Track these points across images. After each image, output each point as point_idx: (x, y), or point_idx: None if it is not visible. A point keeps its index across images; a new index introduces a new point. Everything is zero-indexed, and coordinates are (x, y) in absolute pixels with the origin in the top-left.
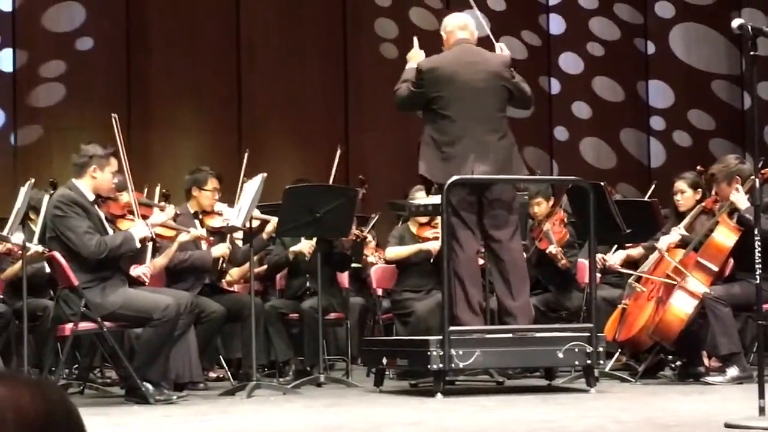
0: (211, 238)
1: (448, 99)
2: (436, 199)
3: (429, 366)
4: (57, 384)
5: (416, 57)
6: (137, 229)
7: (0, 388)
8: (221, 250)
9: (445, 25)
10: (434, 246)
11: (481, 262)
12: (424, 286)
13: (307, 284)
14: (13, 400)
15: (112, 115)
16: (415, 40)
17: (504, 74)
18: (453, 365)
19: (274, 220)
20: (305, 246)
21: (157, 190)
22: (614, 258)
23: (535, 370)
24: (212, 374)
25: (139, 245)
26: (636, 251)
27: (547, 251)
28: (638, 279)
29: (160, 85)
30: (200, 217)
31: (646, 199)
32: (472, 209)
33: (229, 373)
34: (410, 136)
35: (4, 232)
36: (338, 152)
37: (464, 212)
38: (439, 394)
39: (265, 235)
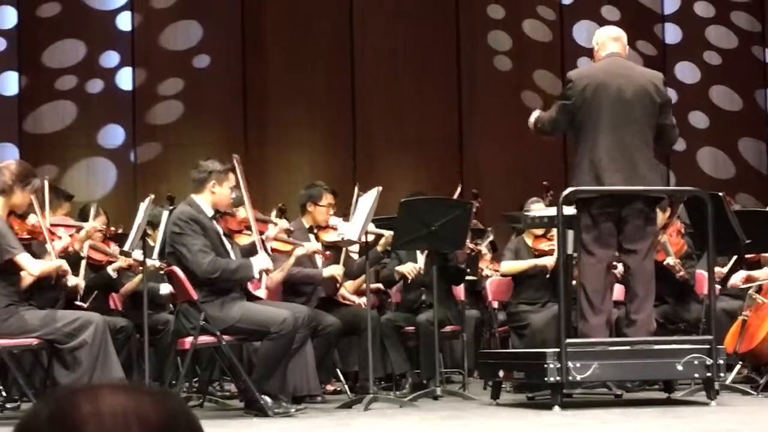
0: (327, 252)
1: (594, 109)
2: (551, 211)
3: (546, 379)
4: (177, 394)
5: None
6: (258, 259)
7: (123, 399)
8: (333, 270)
9: (597, 38)
10: (550, 261)
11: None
12: (540, 299)
13: (423, 297)
14: (137, 410)
15: (234, 156)
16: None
17: (658, 88)
18: (570, 378)
19: (389, 234)
20: (407, 268)
21: (274, 210)
22: (735, 278)
23: (654, 382)
24: (329, 387)
25: (257, 276)
26: (762, 273)
27: (664, 263)
28: (759, 290)
29: (275, 101)
30: (315, 231)
31: (766, 209)
32: (611, 221)
33: (346, 386)
34: (525, 148)
35: (125, 248)
36: (458, 189)
37: (603, 224)
38: (556, 407)
39: (379, 248)
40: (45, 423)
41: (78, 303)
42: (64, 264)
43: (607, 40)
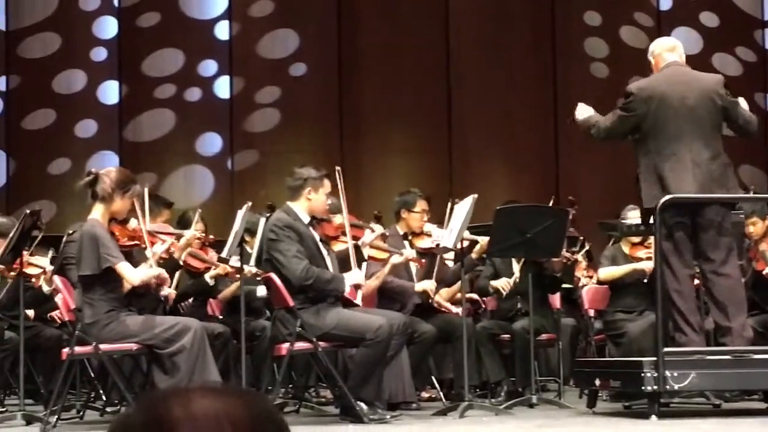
0: (422, 260)
1: (659, 119)
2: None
3: (643, 387)
4: (267, 396)
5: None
6: (352, 275)
7: (215, 401)
8: (426, 285)
9: (652, 50)
10: (648, 266)
11: (696, 282)
12: (637, 307)
13: (519, 305)
14: (228, 412)
15: (336, 168)
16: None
17: (719, 92)
18: (668, 387)
19: (484, 241)
20: (501, 283)
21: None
22: None
23: (754, 392)
24: (424, 394)
25: (348, 290)
26: None
27: (764, 272)
28: None
29: (371, 108)
30: (410, 238)
31: None
32: (684, 230)
33: (441, 393)
34: (622, 156)
35: (223, 255)
36: (551, 201)
37: (677, 234)
38: (653, 417)
39: (474, 255)
40: (139, 427)
41: (176, 305)
42: (163, 272)
43: (663, 52)
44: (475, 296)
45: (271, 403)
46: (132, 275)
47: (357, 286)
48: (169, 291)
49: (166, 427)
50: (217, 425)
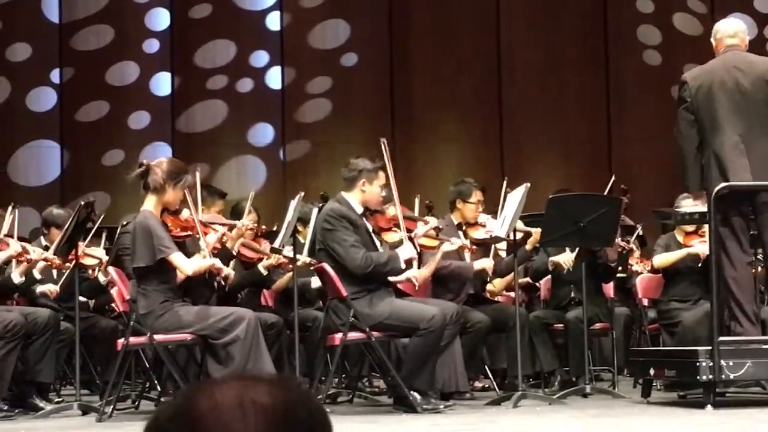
0: (474, 247)
1: (713, 105)
2: (703, 207)
3: (698, 377)
4: (298, 381)
5: None
6: (404, 249)
7: (239, 390)
8: (484, 263)
9: (714, 32)
10: (703, 250)
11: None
12: (692, 296)
13: (572, 294)
14: (253, 399)
15: (381, 139)
16: None
17: None
18: (723, 376)
19: (537, 231)
20: (563, 257)
21: (417, 201)
22: None
23: None
24: (478, 384)
25: (404, 266)
26: None
27: None
28: None
29: (422, 98)
30: (464, 228)
31: None
32: (742, 217)
33: (494, 383)
34: (675, 144)
35: (276, 245)
36: (610, 183)
37: (734, 219)
38: (708, 406)
39: (528, 246)
40: (168, 420)
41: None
42: (217, 262)
43: (724, 36)
44: (529, 280)
45: (303, 389)
46: (185, 266)
47: (411, 259)
48: (228, 271)
49: (192, 418)
50: (241, 413)
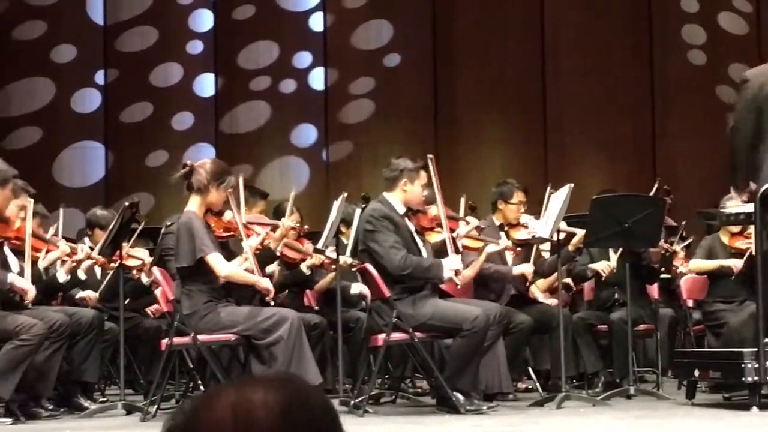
0: (518, 249)
1: None
2: (748, 208)
3: (743, 379)
4: (301, 379)
5: None
6: (449, 261)
7: (236, 393)
8: (523, 268)
9: None
10: (736, 263)
11: None
12: (737, 297)
13: (616, 295)
14: (248, 401)
15: (428, 156)
16: None
17: None
18: None
19: (580, 232)
20: (601, 265)
21: (462, 201)
22: None
23: None
24: (521, 385)
25: (447, 276)
26: None
27: None
28: None
29: (465, 99)
30: (506, 229)
31: None
32: None
33: (538, 384)
34: (720, 144)
35: (319, 245)
36: (656, 184)
37: None
38: (754, 408)
39: (571, 247)
40: (183, 421)
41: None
42: (263, 281)
43: None
44: (570, 281)
45: (304, 387)
46: (221, 267)
47: (456, 272)
48: (272, 268)
49: (188, 424)
50: (232, 416)
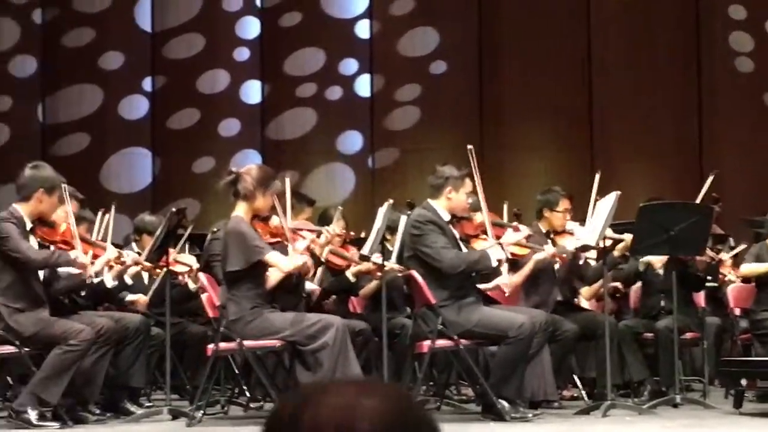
0: (563, 256)
1: None
2: None
3: None
4: (409, 390)
5: None
6: (494, 250)
7: (346, 396)
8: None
9: None
10: None
11: None
12: None
13: (662, 303)
14: (361, 405)
15: (468, 147)
16: None
17: None
18: None
19: (626, 239)
20: (656, 258)
21: (505, 207)
22: None
23: None
24: (566, 393)
25: (495, 264)
26: None
27: None
28: None
29: (511, 106)
30: (552, 236)
31: None
32: None
33: (583, 392)
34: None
35: (364, 252)
36: (711, 177)
37: None
38: None
39: (616, 253)
40: (288, 414)
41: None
42: (308, 260)
43: None
44: (618, 285)
45: (416, 400)
46: (283, 263)
47: (499, 262)
48: (313, 287)
49: (297, 422)
50: (352, 419)
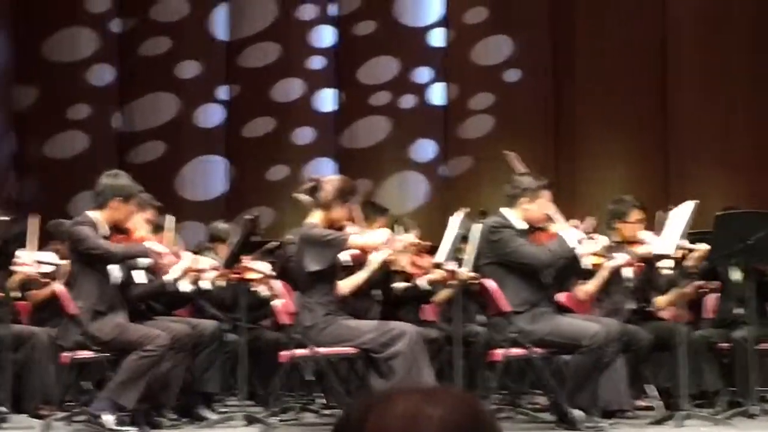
0: (640, 264)
1: None
2: None
3: None
4: (473, 396)
5: None
6: (567, 233)
7: (417, 401)
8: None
9: None
10: None
11: None
12: None
13: (738, 313)
14: (430, 412)
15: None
16: None
17: None
18: None
19: (702, 248)
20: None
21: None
22: None
23: None
24: (641, 403)
25: (574, 246)
26: None
27: None
28: None
29: (586, 115)
30: (626, 245)
31: None
32: None
33: (658, 402)
34: None
35: (438, 260)
36: None
37: None
38: None
39: (691, 263)
40: (354, 420)
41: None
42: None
43: None
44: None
45: (484, 408)
46: (367, 239)
47: (579, 241)
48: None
49: (362, 430)
50: (406, 426)
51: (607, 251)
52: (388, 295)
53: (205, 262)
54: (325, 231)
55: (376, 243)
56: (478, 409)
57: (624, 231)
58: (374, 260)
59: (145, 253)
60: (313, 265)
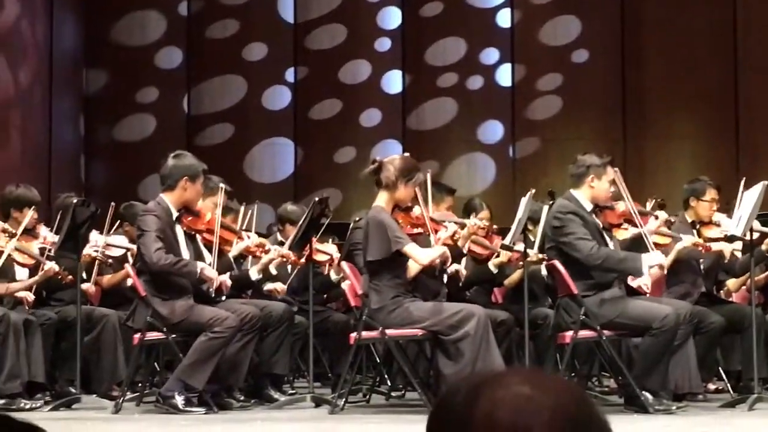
0: (708, 245)
1: None
2: None
3: None
4: (588, 397)
5: None
6: (650, 256)
7: (532, 388)
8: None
9: None
10: None
11: None
12: None
13: None
14: (551, 402)
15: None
16: None
17: None
18: None
19: None
20: None
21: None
22: None
23: None
24: (711, 386)
25: (645, 271)
26: None
27: None
28: None
29: (654, 95)
30: (698, 227)
31: None
32: None
33: (728, 385)
34: None
35: (506, 242)
36: None
37: None
38: None
39: (765, 247)
40: (460, 403)
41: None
42: (446, 251)
43: None
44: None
45: (589, 397)
46: (421, 256)
47: (660, 267)
48: (457, 267)
49: (469, 417)
50: (519, 415)
51: (667, 225)
52: (457, 278)
53: (272, 248)
54: (391, 226)
55: (425, 261)
56: (585, 398)
57: (699, 210)
58: (442, 237)
59: (192, 276)
60: (373, 254)
